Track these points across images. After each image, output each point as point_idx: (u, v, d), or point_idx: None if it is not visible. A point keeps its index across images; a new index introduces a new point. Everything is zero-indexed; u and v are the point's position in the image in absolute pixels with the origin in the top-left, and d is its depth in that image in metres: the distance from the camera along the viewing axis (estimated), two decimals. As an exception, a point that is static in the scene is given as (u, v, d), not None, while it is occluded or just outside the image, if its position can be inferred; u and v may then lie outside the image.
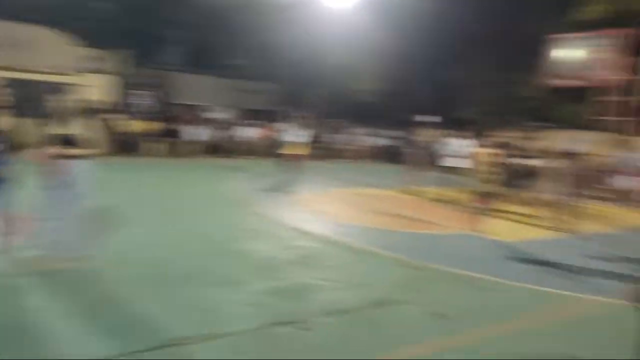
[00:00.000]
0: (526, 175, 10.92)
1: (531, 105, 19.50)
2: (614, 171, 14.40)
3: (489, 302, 4.48)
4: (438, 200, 10.18)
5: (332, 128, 20.28)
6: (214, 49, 21.69)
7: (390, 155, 19.29)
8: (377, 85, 22.16)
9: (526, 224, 8.49)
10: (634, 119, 16.14)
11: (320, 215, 8.03)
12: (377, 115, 22.39)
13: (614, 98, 16.50)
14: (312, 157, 17.56)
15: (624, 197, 12.56)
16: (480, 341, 3.60)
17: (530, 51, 18.29)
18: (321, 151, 18.77)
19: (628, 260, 6.29)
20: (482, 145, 9.81)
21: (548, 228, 8.10)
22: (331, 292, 4.39)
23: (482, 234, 7.21)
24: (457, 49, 20.46)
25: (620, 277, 5.54)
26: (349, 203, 9.59)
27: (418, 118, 22.57)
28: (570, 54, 16.27)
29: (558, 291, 4.88)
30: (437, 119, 27.06)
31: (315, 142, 17.87)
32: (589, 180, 15.75)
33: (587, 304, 4.65)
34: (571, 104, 20.04)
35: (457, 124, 19.33)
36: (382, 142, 20.78)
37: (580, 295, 4.80)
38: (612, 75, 15.55)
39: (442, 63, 21.73)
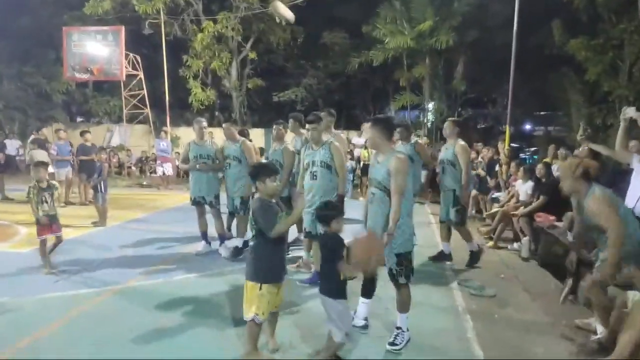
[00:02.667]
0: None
1: (63, 99, 18.86)
2: (155, 160, 15.86)
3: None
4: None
5: None
6: None
7: None
8: None
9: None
10: (161, 111, 18.14)
11: None
12: None
13: (136, 92, 17.95)
14: None
15: (164, 182, 14.02)
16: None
17: (47, 44, 17.45)
18: None
19: (150, 242, 6.91)
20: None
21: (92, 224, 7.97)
22: None
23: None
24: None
25: (127, 263, 5.95)
26: None
27: None
28: (85, 47, 16.32)
29: (67, 293, 4.73)
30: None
31: None
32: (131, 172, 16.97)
33: (93, 300, 4.69)
34: (107, 98, 20.59)
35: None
36: None
37: (88, 291, 4.83)
38: (121, 70, 16.53)
39: None
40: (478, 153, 11.32)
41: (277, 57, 21.05)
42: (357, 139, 15.51)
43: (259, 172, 3.35)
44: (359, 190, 12.76)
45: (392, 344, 3.62)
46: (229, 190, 6.20)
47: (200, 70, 18.95)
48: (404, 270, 3.59)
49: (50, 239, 5.46)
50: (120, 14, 17.69)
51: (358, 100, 21.93)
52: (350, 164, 12.93)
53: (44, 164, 5.80)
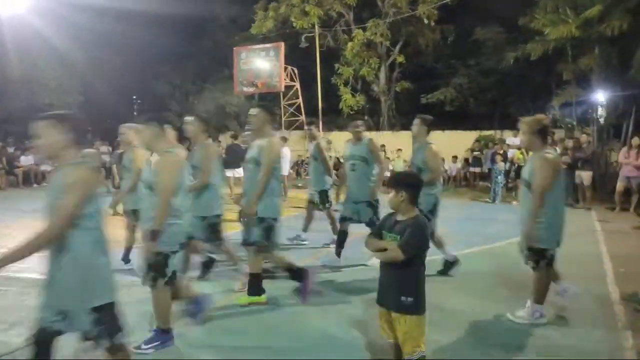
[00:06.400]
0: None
1: (233, 110, 21.48)
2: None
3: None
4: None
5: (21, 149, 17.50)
6: None
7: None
8: (73, 98, 20.29)
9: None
10: (315, 119, 19.45)
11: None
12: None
13: (293, 101, 19.50)
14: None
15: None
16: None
17: (223, 62, 20.10)
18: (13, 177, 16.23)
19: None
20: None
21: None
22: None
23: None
24: (156, 63, 20.95)
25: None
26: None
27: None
28: (251, 63, 18.28)
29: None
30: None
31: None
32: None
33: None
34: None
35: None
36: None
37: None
38: (280, 82, 18.06)
39: (146, 76, 21.81)
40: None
41: (426, 58, 20.90)
42: (513, 139, 14.62)
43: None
44: (513, 194, 12.08)
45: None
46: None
47: (351, 77, 19.82)
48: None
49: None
50: (280, 31, 19.49)
51: (514, 98, 20.50)
52: (501, 166, 12.33)
53: None
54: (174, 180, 3.40)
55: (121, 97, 21.88)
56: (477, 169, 15.38)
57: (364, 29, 18.63)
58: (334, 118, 21.60)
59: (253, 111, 4.48)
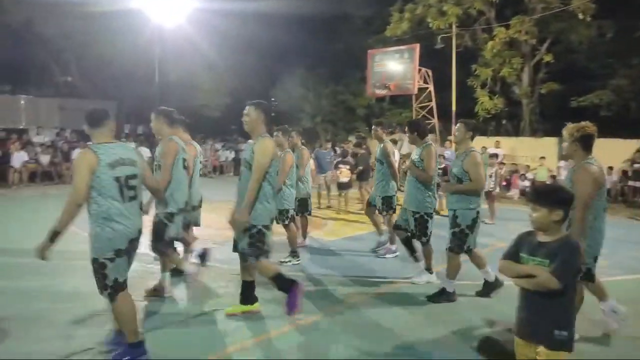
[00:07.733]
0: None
1: (364, 113, 21.73)
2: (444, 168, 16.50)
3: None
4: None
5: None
6: (33, 65, 19.80)
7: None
8: (221, 100, 22.30)
9: (354, 221, 9.28)
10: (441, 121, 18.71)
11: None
12: (224, 129, 22.77)
13: (425, 103, 18.94)
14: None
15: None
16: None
17: (354, 65, 20.36)
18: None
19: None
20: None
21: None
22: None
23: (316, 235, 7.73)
24: (292, 66, 22.06)
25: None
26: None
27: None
28: (385, 66, 18.15)
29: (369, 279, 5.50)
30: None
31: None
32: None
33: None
34: (400, 110, 22.58)
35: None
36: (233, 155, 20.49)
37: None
38: (414, 84, 17.57)
39: (280, 79, 23.09)
40: None
41: (578, 57, 18.80)
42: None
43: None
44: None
45: None
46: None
47: (489, 78, 18.67)
48: None
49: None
50: (415, 32, 19.12)
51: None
52: None
53: None
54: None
55: (260, 99, 23.54)
56: (638, 184, 13.38)
57: (507, 27, 17.39)
58: (468, 122, 20.57)
59: (246, 109, 4.10)
